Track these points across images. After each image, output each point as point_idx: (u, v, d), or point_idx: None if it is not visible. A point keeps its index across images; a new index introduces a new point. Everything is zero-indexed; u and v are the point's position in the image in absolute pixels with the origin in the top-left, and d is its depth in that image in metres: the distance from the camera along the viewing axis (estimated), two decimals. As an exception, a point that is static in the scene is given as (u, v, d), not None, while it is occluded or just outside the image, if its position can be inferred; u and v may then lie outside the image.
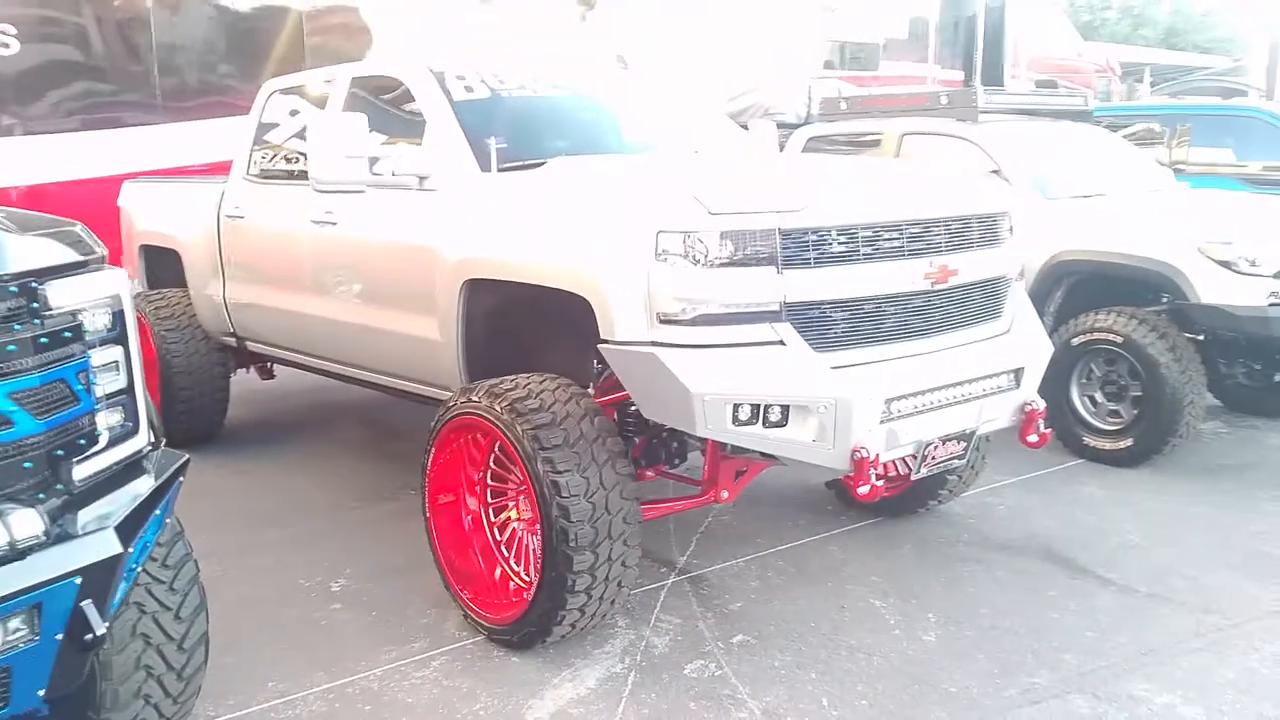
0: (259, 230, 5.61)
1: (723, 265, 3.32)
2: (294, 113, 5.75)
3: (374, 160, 4.38)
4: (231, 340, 6.15)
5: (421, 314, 4.40)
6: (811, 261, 3.39)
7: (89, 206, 8.35)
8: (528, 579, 3.88)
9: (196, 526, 4.89)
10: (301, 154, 5.52)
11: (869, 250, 3.48)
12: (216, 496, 5.58)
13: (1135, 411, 5.73)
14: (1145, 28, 45.26)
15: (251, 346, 6.05)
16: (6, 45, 9.13)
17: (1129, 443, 5.72)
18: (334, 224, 4.92)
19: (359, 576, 4.45)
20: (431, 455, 4.00)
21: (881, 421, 3.42)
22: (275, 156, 5.68)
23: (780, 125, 9.49)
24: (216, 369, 6.39)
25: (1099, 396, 5.92)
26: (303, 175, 5.35)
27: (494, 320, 4.26)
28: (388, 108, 4.95)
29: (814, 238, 3.39)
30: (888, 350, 3.54)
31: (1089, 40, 28.77)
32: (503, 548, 4.02)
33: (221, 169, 9.07)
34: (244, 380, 6.80)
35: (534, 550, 3.79)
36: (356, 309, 4.86)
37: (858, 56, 17.49)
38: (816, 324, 3.41)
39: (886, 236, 3.52)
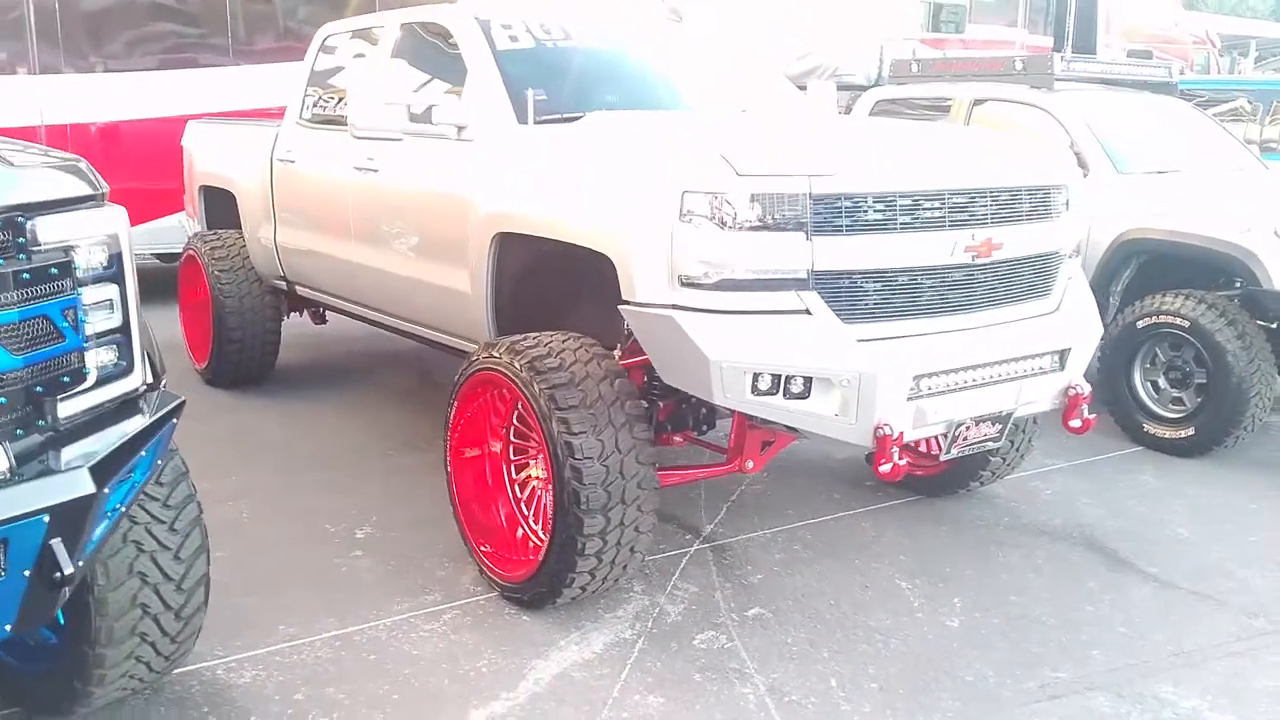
0: (308, 175, 5.62)
1: (749, 229, 3.20)
2: (344, 57, 5.73)
3: (413, 107, 4.34)
4: (282, 284, 6.20)
5: (454, 265, 4.36)
6: (843, 229, 3.25)
7: (162, 145, 8.51)
8: (543, 538, 3.85)
9: (233, 466, 5.07)
10: (340, 101, 5.50)
11: (906, 219, 3.33)
12: (257, 438, 5.65)
13: (1199, 400, 5.48)
14: (1254, -1, 43.32)
15: (300, 291, 6.09)
16: (89, -16, 9.28)
17: (1190, 432, 5.47)
18: (375, 171, 4.89)
19: (384, 524, 4.45)
20: (454, 409, 3.97)
21: (909, 398, 3.29)
22: (326, 101, 5.67)
23: (849, 87, 9.25)
24: (268, 312, 6.42)
25: (1162, 382, 5.67)
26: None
27: (524, 275, 4.20)
28: (435, 55, 4.89)
29: (847, 204, 3.25)
30: (921, 325, 3.39)
31: (1193, 11, 27.57)
32: (523, 505, 3.98)
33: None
34: (297, 324, 6.85)
35: (548, 509, 3.74)
36: (393, 257, 4.84)
37: (950, 19, 16.87)
38: (846, 294, 3.28)
39: (926, 205, 3.36)
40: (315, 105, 5.72)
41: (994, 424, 3.57)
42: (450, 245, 4.36)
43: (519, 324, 4.17)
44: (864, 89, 8.20)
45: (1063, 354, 3.70)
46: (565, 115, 4.21)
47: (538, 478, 3.81)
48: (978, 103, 6.80)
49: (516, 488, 4.00)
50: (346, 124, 5.34)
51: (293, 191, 5.77)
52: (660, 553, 4.19)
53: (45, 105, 9.05)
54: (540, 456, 3.83)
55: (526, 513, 3.96)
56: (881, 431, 3.22)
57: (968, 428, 3.48)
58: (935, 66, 7.70)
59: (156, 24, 9.90)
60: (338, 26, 5.88)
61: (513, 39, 4.58)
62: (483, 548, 3.92)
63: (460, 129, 4.33)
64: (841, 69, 9.35)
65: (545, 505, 3.83)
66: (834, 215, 3.23)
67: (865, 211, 3.28)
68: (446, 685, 3.25)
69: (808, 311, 3.23)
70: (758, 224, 3.19)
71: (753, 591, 3.93)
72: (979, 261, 3.46)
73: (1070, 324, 3.80)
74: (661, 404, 3.93)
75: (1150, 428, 5.64)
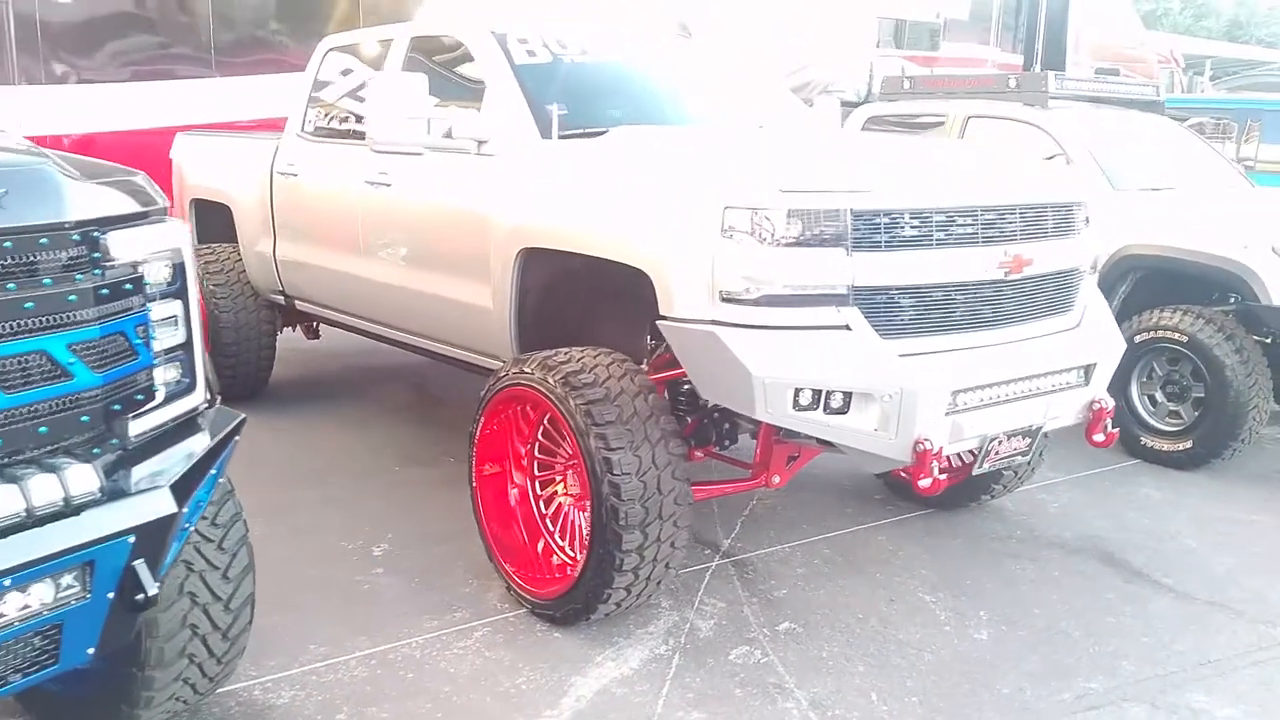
0: (312, 188, 5.56)
1: (790, 245, 3.21)
2: (348, 71, 5.69)
3: (432, 122, 4.32)
4: (280, 298, 6.12)
5: (474, 281, 4.34)
6: (882, 245, 3.28)
7: (138, 157, 8.39)
8: (572, 555, 3.83)
9: (236, 484, 4.97)
10: (354, 113, 5.46)
11: (942, 235, 3.36)
12: (257, 454, 5.51)
13: (1196, 414, 5.57)
14: (1208, 19, 44.45)
15: (300, 306, 6.02)
16: (64, -5, 9.16)
17: (1188, 445, 5.56)
18: (388, 185, 4.86)
19: (400, 542, 4.41)
20: (480, 424, 3.94)
21: (947, 413, 3.31)
22: (331, 114, 5.62)
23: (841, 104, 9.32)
24: (264, 327, 6.35)
25: (1159, 396, 5.76)
26: (358, 135, 5.30)
27: (547, 291, 4.19)
28: (447, 69, 4.87)
29: (886, 220, 3.27)
30: (956, 340, 3.42)
31: (1150, 30, 28.12)
32: (547, 521, 3.96)
33: (271, 125, 9.06)
34: (289, 339, 6.77)
35: (581, 527, 3.73)
36: (408, 273, 4.80)
37: (916, 36, 17.08)
38: (884, 310, 3.30)
39: (961, 222, 3.40)
40: (319, 118, 5.68)
41: (1024, 438, 3.60)
42: (469, 260, 4.34)
43: (539, 340, 4.16)
44: (854, 105, 8.26)
45: (1088, 369, 3.75)
46: (587, 130, 4.21)
47: (571, 494, 3.79)
48: (972, 119, 6.89)
49: (540, 504, 3.99)
50: (354, 137, 5.33)
51: (295, 205, 5.71)
52: (683, 568, 4.17)
53: (22, 116, 8.91)
54: (567, 473, 3.83)
55: (552, 529, 3.94)
56: (921, 446, 3.24)
57: (999, 442, 3.52)
58: (927, 83, 7.79)
59: (133, 36, 9.80)
60: (341, 39, 5.84)
61: (530, 53, 4.58)
62: (508, 565, 3.89)
63: (480, 143, 4.32)
64: (832, 84, 9.43)
65: (574, 522, 3.82)
66: (874, 231, 3.26)
67: (903, 228, 3.30)
68: (489, 703, 3.22)
69: (848, 327, 3.25)
70: (799, 240, 3.20)
71: (780, 606, 3.93)
72: (1011, 278, 3.50)
73: (1094, 339, 3.86)
74: (689, 419, 3.93)
75: (1148, 441, 5.73)
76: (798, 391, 3.21)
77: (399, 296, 4.91)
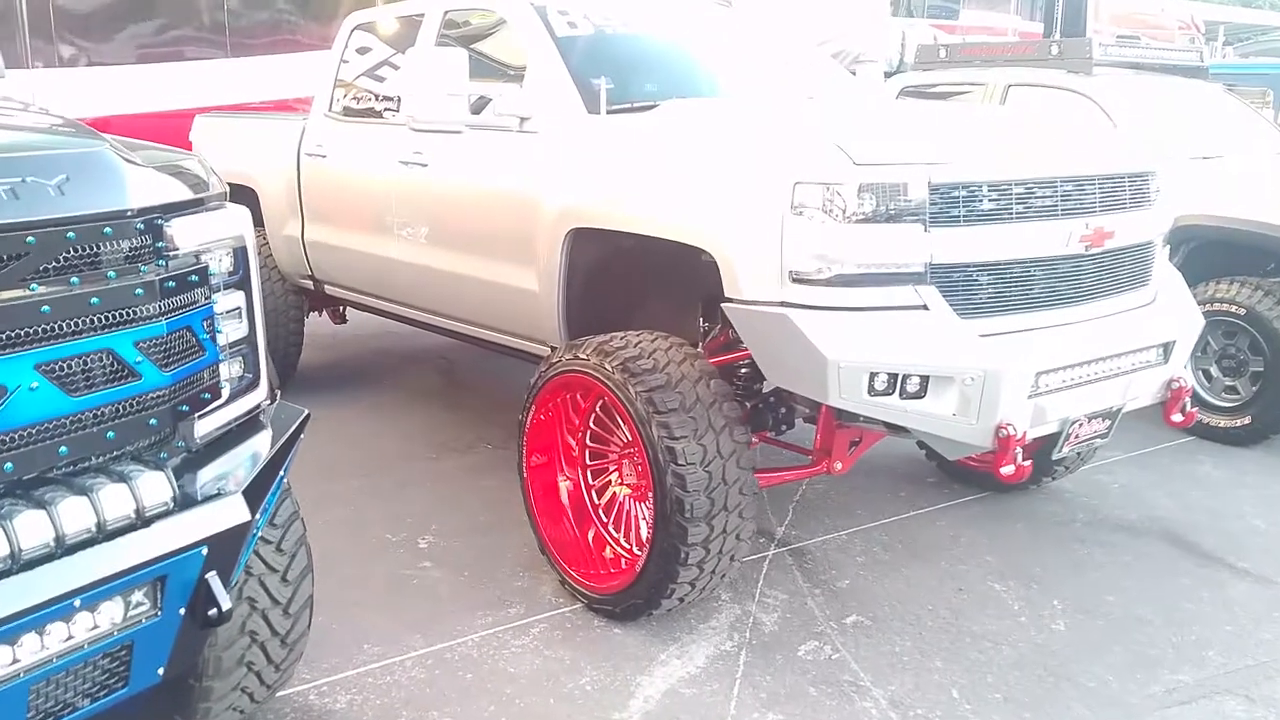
0: (342, 170, 5.39)
1: (864, 221, 3.04)
2: (376, 49, 5.51)
3: (473, 99, 4.16)
4: (309, 283, 5.97)
5: (518, 263, 4.18)
6: (961, 219, 3.11)
7: (153, 140, 8.25)
8: (626, 547, 3.69)
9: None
10: (376, 93, 5.29)
11: (1022, 208, 3.19)
12: (293, 443, 5.43)
13: (1255, 388, 5.41)
14: (1221, -17, 43.79)
15: (330, 290, 5.86)
16: (75, -22, 8.99)
17: (1246, 420, 5.40)
18: (424, 165, 4.69)
19: (445, 533, 4.27)
20: (530, 413, 3.80)
21: (1029, 396, 3.15)
22: (360, 94, 5.45)
23: (869, 75, 9.07)
24: (291, 312, 6.20)
25: (1214, 370, 5.59)
26: (389, 114, 5.14)
27: (595, 273, 4.03)
28: (484, 43, 4.70)
29: (965, 193, 3.10)
30: (1037, 319, 3.25)
31: (1167, -4, 27.68)
32: (600, 512, 3.82)
33: (285, 106, 8.88)
34: (312, 324, 6.62)
35: (641, 519, 3.59)
36: (447, 255, 4.64)
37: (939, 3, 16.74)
38: (963, 288, 3.14)
39: (1041, 194, 3.22)
40: (347, 98, 5.51)
41: (1104, 420, 3.44)
42: (513, 241, 4.18)
43: (587, 323, 4.01)
44: (887, 75, 8.03)
45: (1167, 346, 3.58)
46: (636, 104, 4.04)
47: (628, 485, 3.65)
48: (1012, 88, 6.68)
49: (592, 494, 3.85)
50: (385, 116, 5.16)
51: (324, 187, 5.55)
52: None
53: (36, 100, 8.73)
54: (625, 463, 3.69)
55: (605, 519, 3.81)
56: (1004, 431, 3.08)
57: (1080, 425, 3.35)
58: (965, 51, 7.57)
59: (146, 17, 9.63)
60: (368, 16, 5.66)
61: (571, 25, 4.40)
62: (561, 558, 3.75)
63: (523, 120, 4.15)
64: (863, 54, 9.18)
65: (630, 514, 3.68)
66: (951, 205, 3.09)
67: (982, 201, 3.14)
68: (553, 705, 3.09)
69: (925, 307, 3.09)
70: (874, 216, 3.04)
71: (844, 597, 3.79)
72: (1092, 251, 3.33)
73: (1172, 315, 3.69)
74: (748, 405, 3.78)
75: (1204, 417, 5.53)
76: (873, 375, 3.05)
77: (437, 280, 4.75)
